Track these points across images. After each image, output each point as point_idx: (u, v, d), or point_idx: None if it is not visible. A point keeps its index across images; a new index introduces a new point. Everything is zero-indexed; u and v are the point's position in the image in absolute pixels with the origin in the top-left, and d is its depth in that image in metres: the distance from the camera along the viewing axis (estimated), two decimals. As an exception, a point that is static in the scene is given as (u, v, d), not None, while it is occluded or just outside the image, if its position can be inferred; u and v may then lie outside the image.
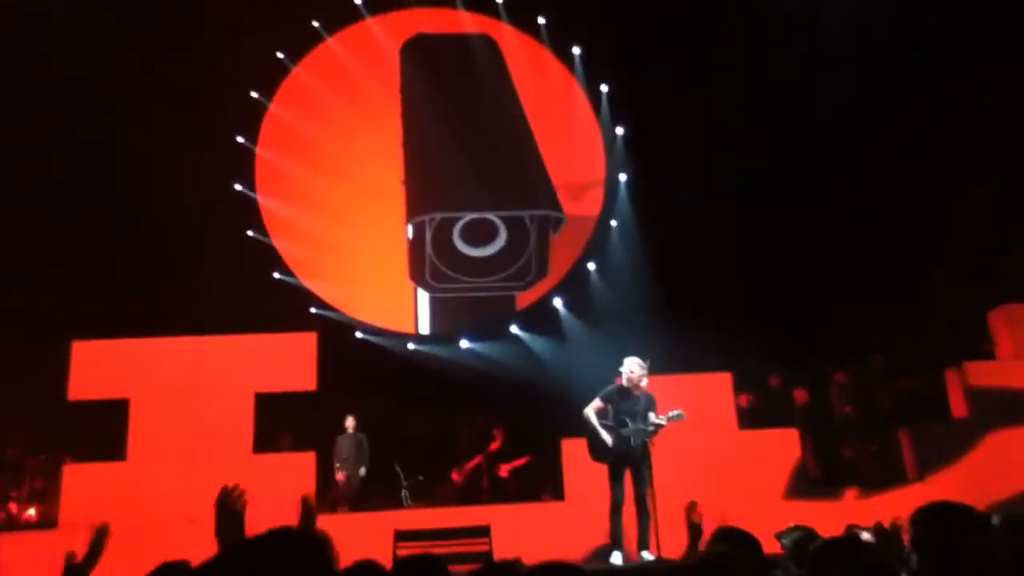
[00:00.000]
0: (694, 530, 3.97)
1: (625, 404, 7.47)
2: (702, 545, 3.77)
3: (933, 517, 2.72)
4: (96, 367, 8.64)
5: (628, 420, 7.40)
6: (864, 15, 11.23)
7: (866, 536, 4.63)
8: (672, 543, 6.73)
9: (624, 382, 7.50)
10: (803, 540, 3.84)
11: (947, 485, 8.20)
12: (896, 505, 7.08)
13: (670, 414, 7.30)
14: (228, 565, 1.34)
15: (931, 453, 8.96)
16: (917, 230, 11.36)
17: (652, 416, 7.33)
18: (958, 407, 9.31)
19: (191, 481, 8.07)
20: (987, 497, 7.35)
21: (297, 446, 9.48)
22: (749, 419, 9.81)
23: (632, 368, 7.47)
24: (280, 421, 9.72)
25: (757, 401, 10.22)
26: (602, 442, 7.43)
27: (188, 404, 8.52)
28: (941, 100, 11.44)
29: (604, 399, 7.57)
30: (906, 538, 2.91)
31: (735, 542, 3.32)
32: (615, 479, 7.41)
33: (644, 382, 7.48)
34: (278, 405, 9.01)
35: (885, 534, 4.74)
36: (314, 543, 1.52)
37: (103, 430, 9.07)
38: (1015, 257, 10.07)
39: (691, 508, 4.07)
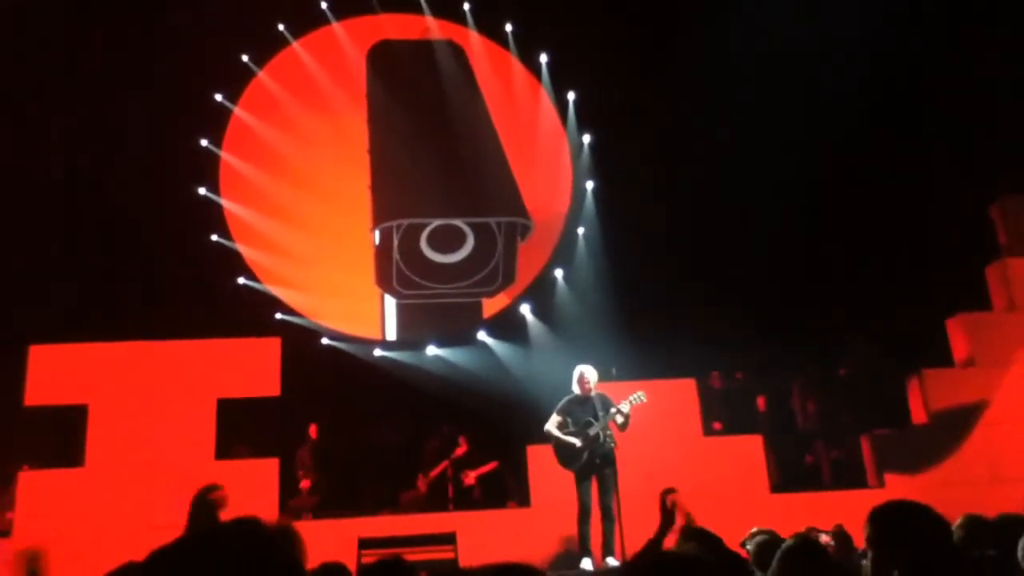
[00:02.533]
0: (666, 517, 4.01)
1: (583, 410, 7.52)
2: (672, 537, 3.80)
3: (888, 516, 2.77)
4: (54, 372, 8.46)
5: (592, 421, 7.44)
6: (832, 23, 11.36)
7: (825, 539, 4.68)
8: (638, 549, 6.73)
9: (577, 390, 7.56)
10: (766, 544, 3.88)
11: (907, 490, 8.29)
12: (857, 510, 7.15)
13: (630, 398, 7.38)
14: (186, 550, 1.31)
15: (892, 459, 9.09)
16: (878, 238, 11.53)
17: (613, 408, 7.39)
18: (918, 414, 9.46)
19: (152, 488, 7.95)
20: (946, 502, 7.44)
21: (260, 452, 9.37)
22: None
23: (582, 375, 7.54)
24: (243, 427, 9.61)
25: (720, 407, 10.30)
26: (570, 448, 7.45)
27: (149, 410, 8.37)
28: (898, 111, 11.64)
29: (561, 412, 7.60)
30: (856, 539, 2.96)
31: (703, 540, 3.35)
32: (582, 486, 7.43)
33: (593, 383, 7.56)
34: (241, 411, 8.91)
35: (844, 537, 4.81)
36: (281, 535, 1.49)
37: (61, 436, 8.90)
38: (973, 265, 10.25)
39: (665, 494, 4.10)
